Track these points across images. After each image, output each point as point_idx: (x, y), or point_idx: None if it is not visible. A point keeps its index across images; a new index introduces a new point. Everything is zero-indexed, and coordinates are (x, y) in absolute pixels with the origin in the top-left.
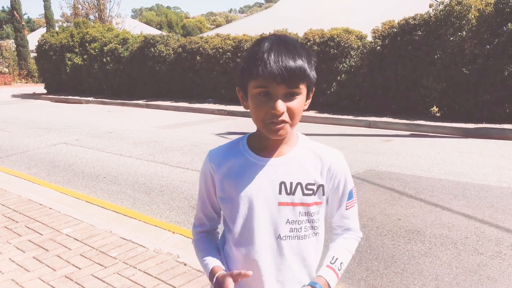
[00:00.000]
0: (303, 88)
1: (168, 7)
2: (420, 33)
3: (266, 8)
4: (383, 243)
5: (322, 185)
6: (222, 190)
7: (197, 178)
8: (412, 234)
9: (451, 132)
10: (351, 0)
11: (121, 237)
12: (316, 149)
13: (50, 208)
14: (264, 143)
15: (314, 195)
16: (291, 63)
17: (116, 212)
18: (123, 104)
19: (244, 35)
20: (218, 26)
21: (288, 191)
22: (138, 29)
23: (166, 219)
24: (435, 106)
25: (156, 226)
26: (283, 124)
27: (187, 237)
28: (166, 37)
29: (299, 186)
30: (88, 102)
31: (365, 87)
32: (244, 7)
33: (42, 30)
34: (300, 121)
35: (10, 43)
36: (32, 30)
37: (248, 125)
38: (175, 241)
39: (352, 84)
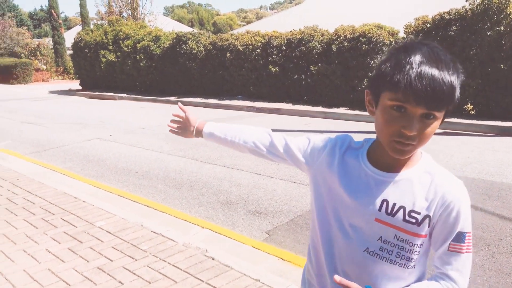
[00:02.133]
0: (443, 112)
1: (199, 5)
2: (456, 29)
3: (296, 4)
4: None
5: (429, 216)
6: (321, 175)
7: (226, 174)
8: None
9: (486, 131)
10: None
11: (151, 231)
12: (436, 175)
13: (84, 202)
14: (381, 155)
15: (417, 225)
16: (441, 85)
17: (147, 206)
18: (155, 101)
19: (274, 31)
20: (248, 23)
21: (388, 212)
22: (170, 26)
23: (195, 214)
24: (469, 104)
25: (185, 220)
26: (409, 146)
27: (216, 232)
28: (197, 34)
29: (401, 210)
30: (121, 98)
31: None
32: (275, 3)
33: (78, 28)
34: (329, 118)
35: (48, 41)
36: (68, 28)
37: (274, 121)
38: (204, 235)
39: None
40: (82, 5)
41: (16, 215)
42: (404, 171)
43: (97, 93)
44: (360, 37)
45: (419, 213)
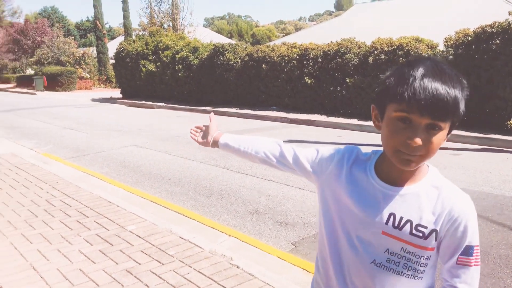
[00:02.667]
0: (448, 123)
1: (239, 16)
2: (498, 42)
3: (336, 16)
4: None
5: (436, 230)
6: (329, 187)
7: (256, 184)
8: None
9: None
10: (424, 9)
11: (179, 237)
12: (443, 189)
13: (118, 206)
14: (388, 168)
15: (424, 239)
16: (444, 95)
17: (177, 213)
18: (191, 110)
19: (310, 43)
20: (287, 34)
21: (395, 225)
22: (209, 37)
23: (223, 222)
24: (511, 120)
25: (213, 228)
26: (415, 157)
27: (242, 241)
28: (234, 46)
29: (408, 224)
30: (159, 107)
31: None
32: (314, 15)
33: (121, 38)
34: (364, 131)
35: (92, 51)
36: (112, 38)
37: (308, 133)
38: (230, 243)
39: None
40: (126, 16)
41: (53, 216)
42: (411, 185)
43: (136, 101)
44: (398, 50)
45: (426, 227)
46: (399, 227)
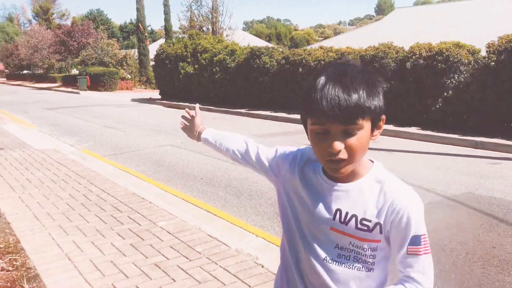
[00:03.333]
0: (364, 123)
1: (278, 20)
2: None
3: (376, 20)
4: (471, 269)
5: (379, 224)
6: (285, 186)
7: None
8: (507, 264)
9: None
10: (466, 14)
11: (208, 234)
12: (385, 183)
13: (150, 202)
14: None
15: (369, 232)
16: (344, 101)
17: (207, 211)
18: (226, 112)
19: (347, 47)
20: (326, 38)
21: (342, 220)
22: (246, 41)
23: (252, 222)
24: None
25: (241, 227)
26: (342, 163)
27: (269, 242)
28: (271, 49)
29: (353, 219)
30: None
31: (474, 105)
32: (354, 19)
33: (162, 41)
34: (399, 137)
35: (134, 52)
36: (153, 40)
37: None
38: (257, 244)
39: (459, 101)
40: (167, 19)
41: (89, 210)
42: (355, 181)
43: (174, 102)
44: (437, 56)
45: (370, 221)
46: (345, 222)
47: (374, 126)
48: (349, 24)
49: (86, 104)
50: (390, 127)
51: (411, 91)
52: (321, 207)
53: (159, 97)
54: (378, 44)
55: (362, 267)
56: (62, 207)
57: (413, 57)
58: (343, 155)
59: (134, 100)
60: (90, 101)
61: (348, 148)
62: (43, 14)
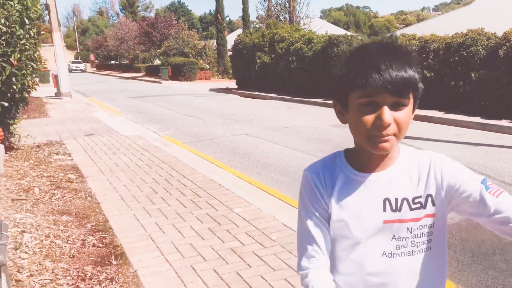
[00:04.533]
0: (410, 99)
1: (357, 7)
2: None
3: (464, 5)
4: None
5: (430, 195)
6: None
7: None
8: None
9: None
10: None
11: (282, 223)
12: (420, 157)
13: (227, 189)
14: (364, 159)
15: (424, 208)
16: (402, 72)
17: (282, 200)
18: (302, 102)
19: (431, 34)
20: (407, 25)
21: (394, 208)
22: (324, 29)
23: None
24: None
25: None
26: (388, 137)
27: None
28: (349, 37)
29: (405, 202)
30: (271, 98)
31: None
32: (440, 4)
33: (239, 31)
34: (487, 130)
35: (212, 43)
36: (231, 31)
37: (423, 130)
38: None
39: None
40: (245, 10)
41: (171, 194)
42: (391, 165)
43: (250, 92)
44: None
45: (420, 196)
46: (398, 209)
47: (414, 106)
48: (433, 10)
49: (167, 93)
50: (477, 119)
51: (503, 81)
52: (365, 204)
53: (236, 86)
54: (467, 30)
55: (423, 249)
56: (146, 190)
57: (507, 43)
58: (391, 129)
59: (212, 89)
60: (171, 90)
61: (397, 122)
62: (129, 7)
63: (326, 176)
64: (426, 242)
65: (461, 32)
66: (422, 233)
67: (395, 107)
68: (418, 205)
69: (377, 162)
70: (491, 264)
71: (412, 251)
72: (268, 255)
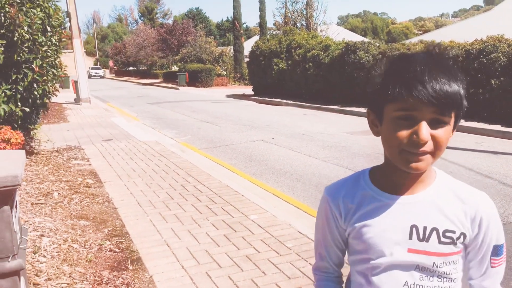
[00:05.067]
0: (452, 117)
1: (374, 13)
2: None
3: (484, 11)
4: None
5: (464, 234)
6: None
7: None
8: None
9: None
10: None
11: (298, 231)
12: (458, 191)
13: (243, 195)
14: (393, 178)
15: (454, 245)
16: (447, 87)
17: (297, 208)
18: (318, 108)
19: (450, 41)
20: (426, 31)
21: (421, 237)
22: (341, 35)
23: None
24: None
25: None
26: (423, 156)
27: None
28: (367, 44)
29: (434, 232)
30: (287, 104)
31: None
32: (459, 11)
33: (256, 38)
34: (508, 138)
35: (229, 49)
36: (248, 37)
37: None
38: None
39: None
40: (262, 16)
41: (187, 200)
42: (424, 190)
43: (266, 98)
44: None
45: (453, 232)
46: (426, 239)
47: (455, 124)
48: (452, 16)
49: (184, 99)
50: (497, 127)
51: None
52: (390, 228)
53: (252, 93)
54: (487, 37)
55: (445, 284)
56: (162, 196)
57: None
58: (428, 147)
59: (228, 96)
60: (188, 97)
61: (435, 140)
62: (148, 14)
63: (346, 198)
64: (451, 279)
65: (481, 39)
66: (450, 270)
67: (435, 124)
68: (449, 241)
69: (408, 183)
70: None
71: (439, 286)
72: (283, 263)
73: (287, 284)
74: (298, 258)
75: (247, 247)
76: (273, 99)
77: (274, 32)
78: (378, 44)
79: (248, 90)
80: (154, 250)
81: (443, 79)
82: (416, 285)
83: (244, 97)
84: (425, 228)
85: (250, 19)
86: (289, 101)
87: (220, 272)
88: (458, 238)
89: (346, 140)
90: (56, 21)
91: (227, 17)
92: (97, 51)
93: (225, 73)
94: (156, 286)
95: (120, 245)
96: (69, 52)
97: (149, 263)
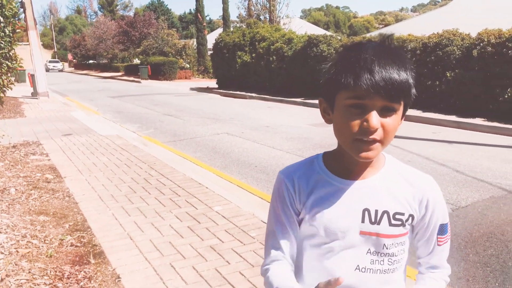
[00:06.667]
0: (401, 105)
1: (337, 7)
2: None
3: (441, 6)
4: None
5: (412, 216)
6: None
7: None
8: None
9: None
10: None
11: (261, 220)
12: (407, 175)
13: (207, 188)
14: (345, 164)
15: (403, 226)
16: (396, 75)
17: (261, 198)
18: (281, 101)
19: (409, 35)
20: (386, 25)
21: (373, 220)
22: (304, 29)
23: None
24: None
25: None
26: (374, 144)
27: None
28: (329, 37)
29: (385, 215)
30: (251, 97)
31: None
32: (417, 5)
33: (220, 30)
34: (462, 128)
35: (192, 42)
36: (212, 30)
37: (402, 129)
38: None
39: None
40: (225, 9)
41: (150, 193)
42: (374, 175)
43: (230, 91)
44: (508, 42)
45: (403, 214)
46: (377, 222)
47: (404, 112)
48: (411, 11)
49: (147, 92)
50: (453, 117)
51: (477, 80)
52: (343, 212)
53: (216, 86)
54: (442, 31)
55: (398, 267)
56: (124, 189)
57: (481, 44)
58: (378, 135)
59: (192, 89)
60: (151, 90)
61: (384, 128)
62: (108, 6)
63: (301, 181)
64: (398, 260)
65: (437, 33)
66: (398, 251)
67: (384, 111)
68: (399, 223)
69: (359, 169)
70: (463, 257)
71: (388, 269)
72: (247, 252)
73: (251, 272)
74: (262, 247)
75: (211, 237)
76: (238, 92)
77: (238, 25)
78: (340, 38)
79: (212, 83)
80: (117, 243)
81: (392, 68)
82: (367, 269)
83: (208, 90)
84: (376, 211)
85: (213, 11)
86: (253, 94)
87: (184, 263)
88: (407, 220)
89: (309, 131)
90: (10, 12)
91: (190, 10)
92: (55, 44)
93: (188, 66)
94: (119, 278)
95: (81, 240)
96: (24, 44)
97: (112, 256)
